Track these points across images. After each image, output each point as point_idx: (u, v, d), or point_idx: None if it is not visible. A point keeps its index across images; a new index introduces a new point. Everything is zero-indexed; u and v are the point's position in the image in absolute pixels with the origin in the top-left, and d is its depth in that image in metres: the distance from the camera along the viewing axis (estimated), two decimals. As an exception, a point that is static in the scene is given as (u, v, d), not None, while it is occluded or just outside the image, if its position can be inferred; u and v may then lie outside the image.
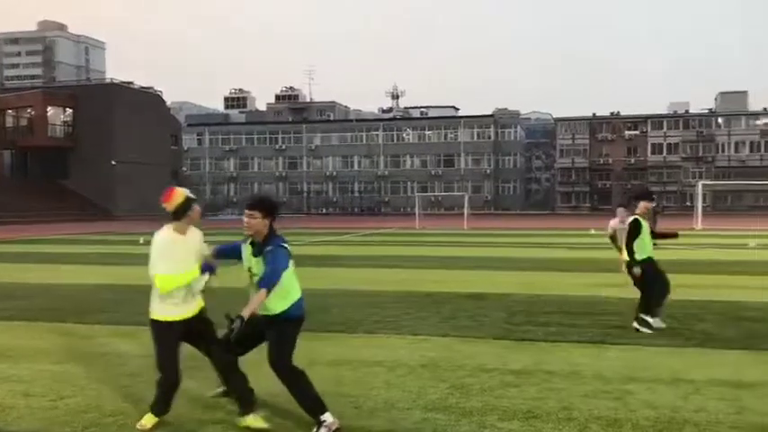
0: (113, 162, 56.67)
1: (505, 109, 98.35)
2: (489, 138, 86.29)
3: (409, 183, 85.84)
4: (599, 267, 14.75)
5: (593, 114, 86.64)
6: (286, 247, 4.78)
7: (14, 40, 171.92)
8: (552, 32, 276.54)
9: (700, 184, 43.36)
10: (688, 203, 72.51)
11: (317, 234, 32.58)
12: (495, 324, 8.42)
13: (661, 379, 5.87)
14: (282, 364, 4.71)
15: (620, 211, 13.10)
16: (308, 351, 6.95)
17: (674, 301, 10.15)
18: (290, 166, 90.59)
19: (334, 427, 4.62)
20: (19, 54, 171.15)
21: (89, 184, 56.88)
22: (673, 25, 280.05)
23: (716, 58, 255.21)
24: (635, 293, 10.98)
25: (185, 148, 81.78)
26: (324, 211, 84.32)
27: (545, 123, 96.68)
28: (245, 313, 4.47)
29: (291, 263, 4.83)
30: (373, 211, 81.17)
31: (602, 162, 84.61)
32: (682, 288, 11.57)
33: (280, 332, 4.76)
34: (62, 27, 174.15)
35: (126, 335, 7.93)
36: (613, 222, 13.07)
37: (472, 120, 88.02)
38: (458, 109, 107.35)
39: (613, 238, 13.08)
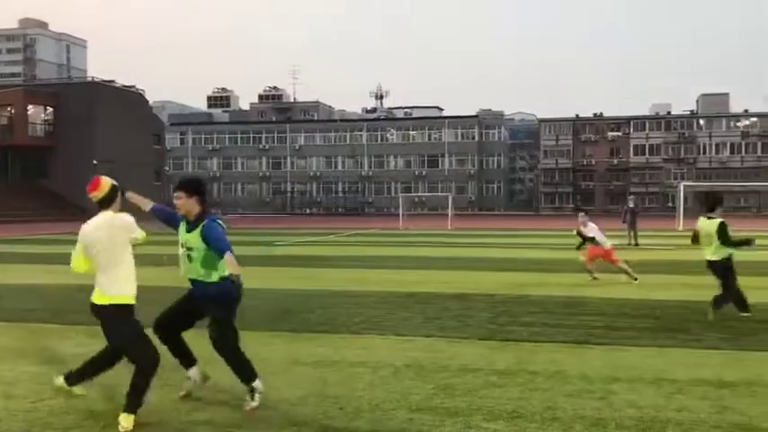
0: (95, 161, 56.06)
1: (489, 110, 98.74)
2: (473, 138, 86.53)
3: (393, 183, 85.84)
4: (582, 268, 14.81)
5: (577, 115, 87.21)
6: (220, 223, 5.14)
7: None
8: (535, 33, 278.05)
9: (681, 185, 43.72)
10: (670, 204, 73.22)
11: (300, 234, 32.49)
12: (479, 324, 8.43)
13: (644, 379, 5.90)
14: (226, 344, 5.12)
15: (581, 216, 13.40)
16: (291, 351, 6.94)
17: (657, 301, 10.24)
18: (273, 166, 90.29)
19: (259, 395, 5.06)
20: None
21: (70, 184, 56.22)
22: (655, 26, 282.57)
23: (698, 59, 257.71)
24: (617, 294, 11.07)
25: (168, 148, 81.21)
26: (308, 211, 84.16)
27: (529, 124, 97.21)
28: (236, 272, 4.81)
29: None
30: (357, 212, 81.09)
31: (585, 163, 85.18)
32: (665, 288, 11.68)
33: (218, 313, 5.13)
34: (43, 25, 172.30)
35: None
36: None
37: (456, 120, 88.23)
38: (442, 109, 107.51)
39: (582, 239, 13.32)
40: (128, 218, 4.91)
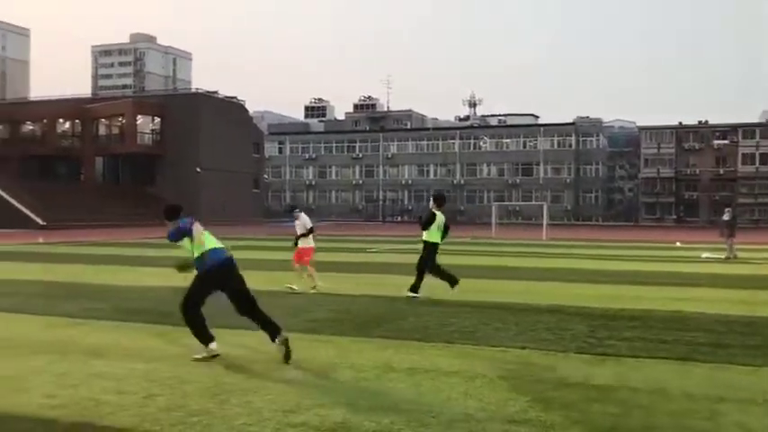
0: (198, 169, 58.60)
1: (587, 117, 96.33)
2: (570, 146, 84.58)
3: (486, 192, 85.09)
4: (684, 281, 14.23)
5: (680, 123, 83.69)
6: (181, 223, 7.13)
7: (108, 51, 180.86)
8: (635, 36, 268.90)
9: (795, 196, 41.12)
10: (782, 216, 68.94)
11: (391, 242, 32.71)
12: (576, 337, 8.23)
13: (755, 400, 5.59)
14: (183, 308, 7.08)
15: (295, 211, 13.33)
16: (383, 358, 7.00)
17: (766, 319, 9.68)
18: (366, 174, 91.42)
19: (212, 354, 6.88)
20: (112, 65, 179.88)
21: (174, 191, 58.95)
22: (761, 28, 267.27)
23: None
24: (722, 310, 10.54)
25: (267, 157, 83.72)
26: (399, 219, 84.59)
27: (629, 132, 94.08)
28: None
29: (191, 234, 7.02)
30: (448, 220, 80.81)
31: (688, 172, 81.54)
32: (776, 305, 11.02)
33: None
34: (152, 39, 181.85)
35: (210, 337, 8.17)
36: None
37: (552, 128, 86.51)
38: (537, 117, 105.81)
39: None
40: None
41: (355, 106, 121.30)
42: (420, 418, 5.04)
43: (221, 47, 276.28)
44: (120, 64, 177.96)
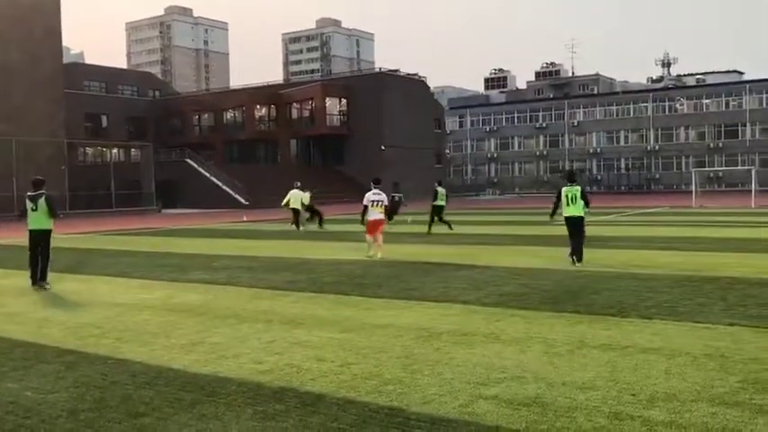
0: (382, 147, 60.26)
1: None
2: (783, 103, 75.92)
3: (683, 157, 79.10)
4: None
5: None
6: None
7: (297, 38, 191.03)
8: None
9: None
10: None
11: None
12: (794, 314, 7.43)
13: None
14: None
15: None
16: (576, 333, 6.79)
17: None
18: (551, 144, 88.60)
19: None
20: (301, 51, 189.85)
21: (361, 169, 61.16)
22: None
23: None
24: None
25: (448, 131, 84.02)
26: (588, 189, 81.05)
27: None
28: None
29: None
30: (642, 189, 76.36)
31: None
32: None
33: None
34: (336, 23, 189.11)
35: (400, 308, 8.42)
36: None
37: (761, 84, 78.07)
38: (742, 73, 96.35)
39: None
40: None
41: (537, 74, 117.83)
42: (617, 396, 4.82)
43: (402, 25, 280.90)
44: (308, 50, 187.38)
